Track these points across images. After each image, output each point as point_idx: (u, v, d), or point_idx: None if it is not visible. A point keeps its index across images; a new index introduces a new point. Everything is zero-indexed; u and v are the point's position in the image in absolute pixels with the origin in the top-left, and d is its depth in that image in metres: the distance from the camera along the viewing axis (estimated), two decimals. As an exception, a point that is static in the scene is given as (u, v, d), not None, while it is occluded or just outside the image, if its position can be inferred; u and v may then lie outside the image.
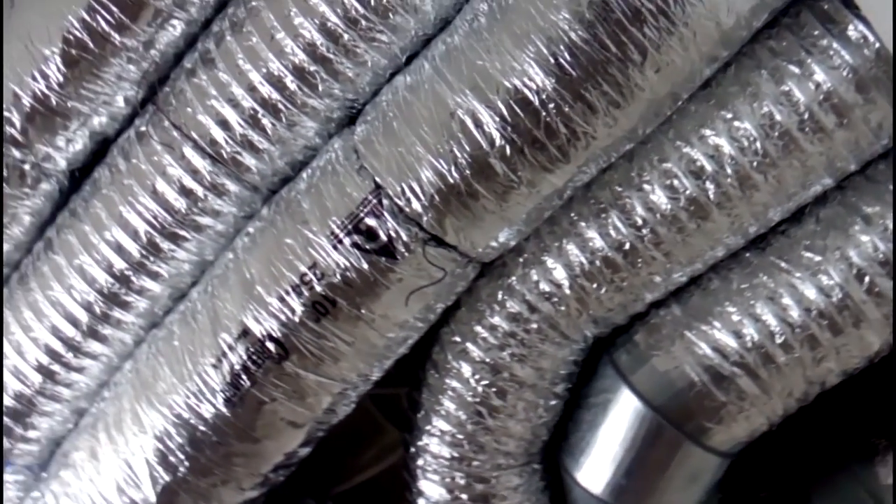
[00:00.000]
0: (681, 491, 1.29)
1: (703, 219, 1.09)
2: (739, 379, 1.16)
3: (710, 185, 1.07)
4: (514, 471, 1.30)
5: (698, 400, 1.19)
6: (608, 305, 1.18)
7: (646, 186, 1.10)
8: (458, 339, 1.23)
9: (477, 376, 1.21)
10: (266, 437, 1.15)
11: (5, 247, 1.29)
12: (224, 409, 1.13)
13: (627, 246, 1.12)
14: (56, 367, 1.25)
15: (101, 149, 1.25)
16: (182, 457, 1.15)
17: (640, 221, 1.11)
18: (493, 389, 1.21)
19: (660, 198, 1.09)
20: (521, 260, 1.18)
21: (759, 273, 1.15)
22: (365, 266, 1.07)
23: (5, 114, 1.17)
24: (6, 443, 1.30)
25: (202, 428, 1.14)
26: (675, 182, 1.08)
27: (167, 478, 1.16)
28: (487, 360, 1.20)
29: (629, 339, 1.26)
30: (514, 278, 1.19)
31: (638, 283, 1.16)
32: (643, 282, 1.16)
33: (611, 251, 1.13)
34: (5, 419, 1.29)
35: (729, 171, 1.06)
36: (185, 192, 1.14)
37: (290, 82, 1.06)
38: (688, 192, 1.08)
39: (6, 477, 1.34)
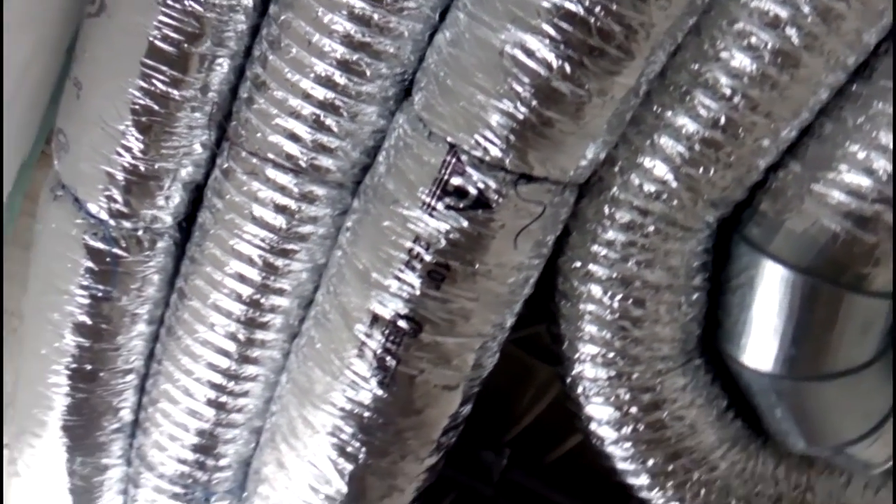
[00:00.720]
0: (856, 345, 1.24)
1: (794, 67, 1.02)
2: (885, 214, 1.10)
3: (791, 31, 1.00)
4: (677, 372, 1.27)
5: (847, 249, 1.13)
6: (721, 185, 1.14)
7: (723, 55, 1.04)
8: (578, 264, 1.21)
9: (609, 293, 1.20)
10: (427, 407, 1.20)
11: (146, 307, 1.39)
12: (380, 392, 1.18)
13: (723, 120, 1.07)
14: (224, 398, 1.35)
15: (197, 196, 1.32)
16: (357, 444, 1.22)
17: (728, 92, 1.05)
18: (630, 301, 1.20)
19: (741, 61, 1.03)
20: (616, 170, 1.15)
21: (873, 101, 1.07)
22: (464, 224, 1.08)
23: (109, 192, 1.26)
24: (205, 475, 1.43)
25: (367, 414, 1.19)
26: (753, 39, 1.02)
27: (350, 467, 1.23)
28: (614, 275, 1.19)
29: (755, 211, 1.21)
30: (615, 189, 1.16)
31: (746, 153, 1.11)
32: (751, 150, 1.11)
33: (707, 130, 1.08)
34: (199, 456, 1.41)
35: (807, 9, 0.98)
36: (280, 209, 1.19)
37: (339, 77, 1.07)
38: (769, 45, 1.01)
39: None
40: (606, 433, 1.30)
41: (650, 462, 1.29)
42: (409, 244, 1.10)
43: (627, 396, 1.27)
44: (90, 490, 1.51)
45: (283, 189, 1.17)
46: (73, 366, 1.39)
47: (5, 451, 1.56)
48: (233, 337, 1.30)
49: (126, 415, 1.47)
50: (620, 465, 1.32)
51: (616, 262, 1.18)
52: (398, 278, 1.11)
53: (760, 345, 1.24)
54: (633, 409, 1.27)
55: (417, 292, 1.11)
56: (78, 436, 1.45)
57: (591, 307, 1.22)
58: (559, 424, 1.65)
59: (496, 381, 1.32)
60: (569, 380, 1.31)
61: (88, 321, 1.35)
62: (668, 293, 1.20)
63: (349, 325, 1.18)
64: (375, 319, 1.15)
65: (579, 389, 1.30)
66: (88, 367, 1.39)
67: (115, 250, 1.31)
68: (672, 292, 1.21)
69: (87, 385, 1.41)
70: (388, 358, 1.16)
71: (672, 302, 1.21)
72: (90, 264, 1.32)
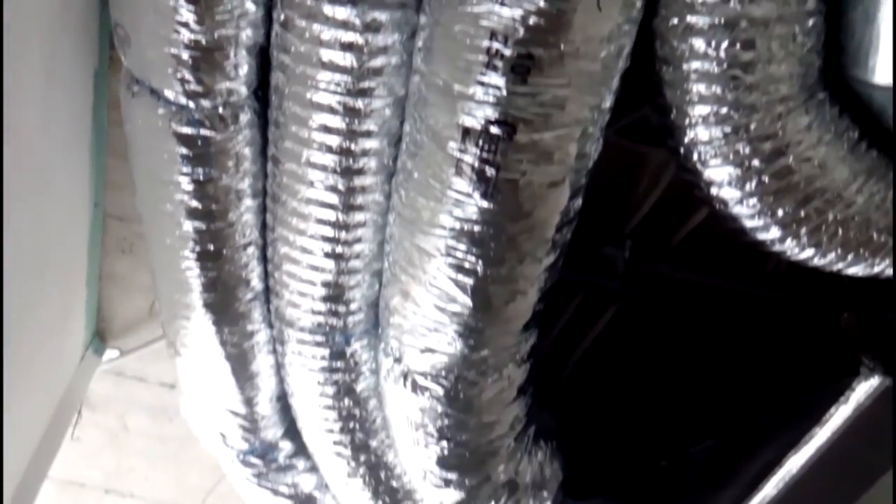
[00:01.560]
0: None
1: None
2: None
3: None
4: (799, 111, 1.17)
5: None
6: None
7: None
8: (675, 20, 1.13)
9: (713, 43, 1.11)
10: (535, 208, 1.20)
11: (247, 181, 1.45)
12: (486, 204, 1.19)
13: None
14: (339, 248, 1.43)
15: (265, 61, 1.33)
16: (473, 259, 1.25)
17: None
18: (737, 46, 1.10)
19: None
20: None
21: None
22: (541, 3, 1.02)
23: (180, 74, 1.29)
24: (339, 321, 1.53)
25: (476, 228, 1.22)
26: None
27: (471, 281, 1.27)
28: (716, 20, 1.09)
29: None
30: None
31: None
32: None
33: None
34: (329, 305, 1.51)
35: None
36: (347, 46, 1.18)
37: None
38: None
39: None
40: (729, 194, 1.24)
41: (780, 212, 1.23)
42: (485, 43, 1.06)
43: (747, 150, 1.19)
44: (243, 355, 1.66)
45: (345, 24, 1.15)
46: (198, 249, 1.49)
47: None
48: (333, 189, 1.34)
49: (257, 284, 1.58)
50: (749, 224, 1.27)
51: (716, 6, 1.09)
52: (481, 83, 1.09)
53: (892, 57, 1.11)
54: (756, 162, 1.20)
55: (504, 92, 1.08)
56: (219, 310, 1.58)
57: (695, 64, 1.14)
58: (679, 205, 1.60)
59: (608, 176, 1.27)
60: (682, 150, 1.25)
61: (198, 205, 1.43)
62: (779, 26, 1.10)
63: (441, 146, 1.18)
64: (466, 133, 1.14)
65: (694, 157, 1.23)
66: (211, 247, 1.49)
67: (203, 132, 1.36)
68: (783, 23, 1.10)
69: (215, 263, 1.51)
70: (487, 168, 1.15)
71: (785, 34, 1.11)
72: (184, 150, 1.38)
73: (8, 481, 1.81)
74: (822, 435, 1.36)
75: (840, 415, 1.33)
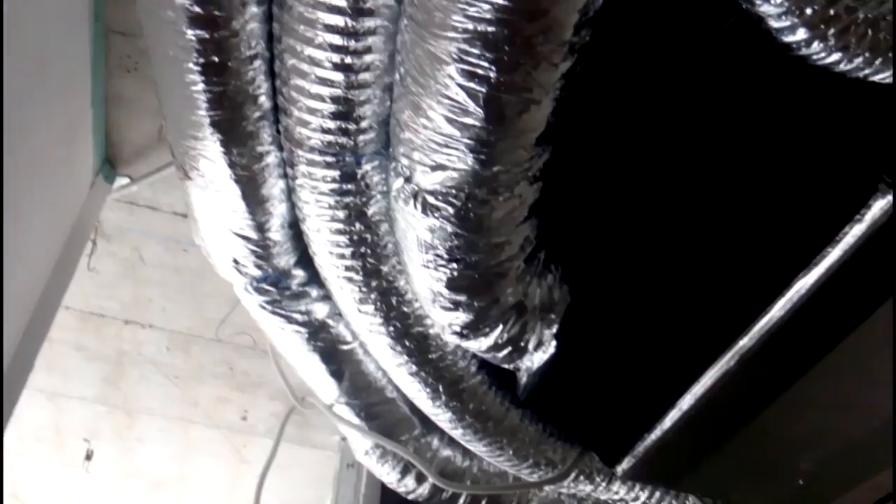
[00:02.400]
0: None
1: None
2: None
3: None
4: None
5: None
6: None
7: None
8: None
9: None
10: (553, 5, 1.14)
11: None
12: (501, 0, 1.13)
13: None
14: (348, 59, 1.37)
15: None
16: (486, 64, 1.20)
17: None
18: None
19: None
20: None
21: None
22: None
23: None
24: (349, 140, 1.51)
25: (490, 29, 1.16)
26: None
27: (483, 89, 1.23)
28: None
29: None
30: None
31: None
32: None
33: None
34: (339, 123, 1.48)
35: None
36: None
37: None
38: None
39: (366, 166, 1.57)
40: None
41: (808, 11, 1.16)
42: None
43: None
44: (253, 178, 1.65)
45: None
46: (202, 60, 1.44)
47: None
48: (344, -3, 1.28)
49: (265, 101, 1.54)
50: (775, 25, 1.20)
51: None
52: None
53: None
54: None
55: None
56: (226, 128, 1.55)
57: None
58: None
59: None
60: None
61: (200, 10, 1.37)
62: None
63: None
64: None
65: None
66: (216, 58, 1.44)
67: (203, -71, 1.28)
68: None
69: (220, 77, 1.47)
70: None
71: None
72: (184, -49, 1.31)
73: (23, 308, 1.87)
74: (834, 254, 1.36)
75: (854, 233, 1.32)
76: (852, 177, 1.35)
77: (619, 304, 1.85)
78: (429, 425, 2.33)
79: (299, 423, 3.06)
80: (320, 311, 2.02)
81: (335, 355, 2.09)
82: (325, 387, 2.17)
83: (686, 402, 1.87)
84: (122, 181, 2.25)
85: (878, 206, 1.28)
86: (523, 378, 1.88)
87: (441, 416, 2.07)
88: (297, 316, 2.02)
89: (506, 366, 1.85)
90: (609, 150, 1.70)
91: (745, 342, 1.67)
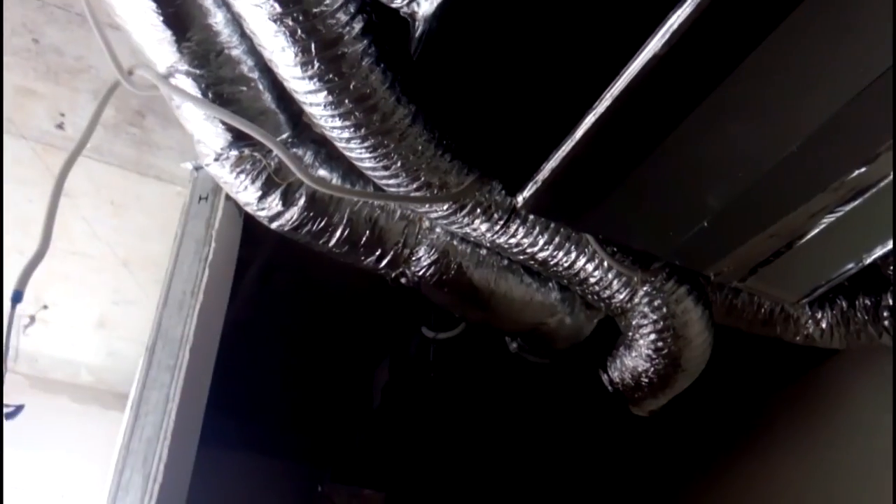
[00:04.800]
0: None
1: None
2: None
3: None
4: None
5: None
6: None
7: None
8: None
9: None
10: None
11: None
12: None
13: None
14: None
15: None
16: None
17: None
18: None
19: None
20: None
21: None
22: None
23: None
24: None
25: None
26: None
27: None
28: None
29: None
30: None
31: None
32: None
33: None
34: None
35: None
36: None
37: None
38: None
39: None
40: None
41: None
42: None
43: None
44: None
45: None
46: None
47: None
48: None
49: None
50: None
51: None
52: None
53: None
54: None
55: None
56: None
57: None
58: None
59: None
60: None
61: None
62: None
63: None
64: None
65: None
66: None
67: None
68: None
69: None
70: None
71: None
72: None
73: None
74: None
75: None
76: None
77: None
78: (299, 128, 1.93)
79: (137, 139, 2.40)
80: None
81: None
82: (159, 50, 1.65)
83: (588, 120, 1.67)
84: None
85: None
86: (419, 26, 1.49)
87: (314, 100, 1.63)
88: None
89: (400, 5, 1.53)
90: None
91: (652, 45, 1.44)
